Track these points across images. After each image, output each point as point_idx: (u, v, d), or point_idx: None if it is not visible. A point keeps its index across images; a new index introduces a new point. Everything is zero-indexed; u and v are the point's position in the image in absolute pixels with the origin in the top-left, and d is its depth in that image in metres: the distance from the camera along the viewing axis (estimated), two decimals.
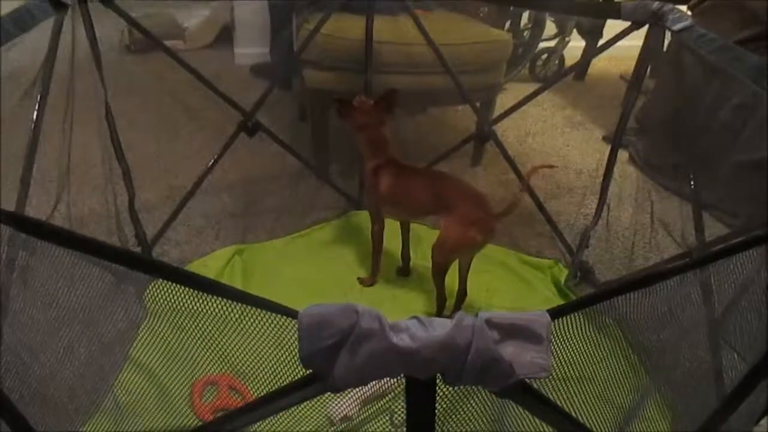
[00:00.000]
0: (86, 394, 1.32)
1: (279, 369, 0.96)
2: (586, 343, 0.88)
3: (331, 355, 0.50)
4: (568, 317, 0.62)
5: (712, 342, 1.18)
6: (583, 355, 0.87)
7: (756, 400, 0.91)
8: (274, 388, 0.80)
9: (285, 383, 0.71)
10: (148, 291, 1.78)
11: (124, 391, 1.41)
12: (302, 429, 0.99)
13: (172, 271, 0.72)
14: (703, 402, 1.16)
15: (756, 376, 0.85)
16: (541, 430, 0.77)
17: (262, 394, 0.81)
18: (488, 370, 0.50)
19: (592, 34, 3.34)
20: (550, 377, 0.77)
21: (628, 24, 1.58)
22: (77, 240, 0.82)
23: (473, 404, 0.66)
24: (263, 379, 1.04)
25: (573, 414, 0.72)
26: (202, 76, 1.79)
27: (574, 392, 0.85)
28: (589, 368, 0.91)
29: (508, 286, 1.91)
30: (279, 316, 0.58)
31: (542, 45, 3.56)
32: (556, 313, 0.54)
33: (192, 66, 1.78)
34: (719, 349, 1.16)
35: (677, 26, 1.40)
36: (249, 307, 0.73)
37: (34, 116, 1.38)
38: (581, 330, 0.84)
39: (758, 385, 0.87)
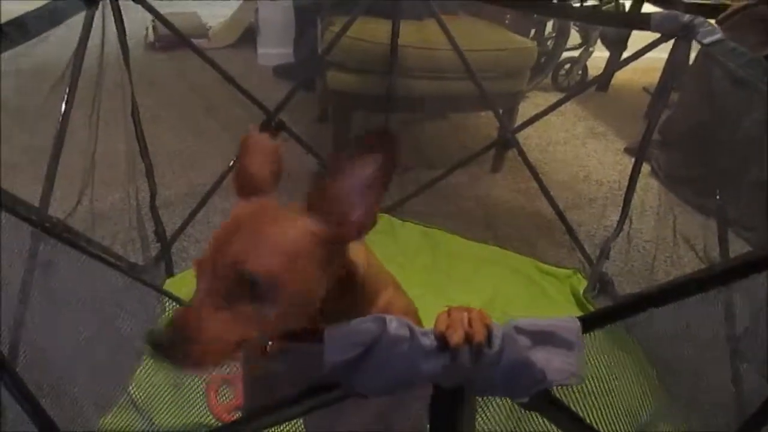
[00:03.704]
0: (104, 389, 1.33)
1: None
2: (604, 355, 0.88)
3: (358, 364, 0.49)
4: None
5: (733, 360, 1.17)
6: (601, 368, 0.86)
7: None
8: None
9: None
10: (165, 285, 1.80)
11: (140, 387, 1.42)
12: None
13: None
14: (721, 421, 1.14)
15: None
16: None
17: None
18: (519, 378, 0.49)
19: (616, 44, 3.32)
20: (570, 389, 0.76)
21: (652, 35, 1.56)
22: (87, 249, 0.84)
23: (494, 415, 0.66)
24: None
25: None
26: (227, 74, 1.80)
27: (591, 405, 0.84)
28: (605, 381, 0.90)
29: (525, 295, 1.89)
30: None
31: (566, 55, 3.55)
32: (586, 323, 0.53)
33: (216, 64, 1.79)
34: (739, 367, 1.14)
35: (708, 39, 1.38)
36: None
37: (62, 110, 1.39)
38: (599, 341, 0.84)
39: None
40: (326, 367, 0.50)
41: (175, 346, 0.59)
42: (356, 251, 0.74)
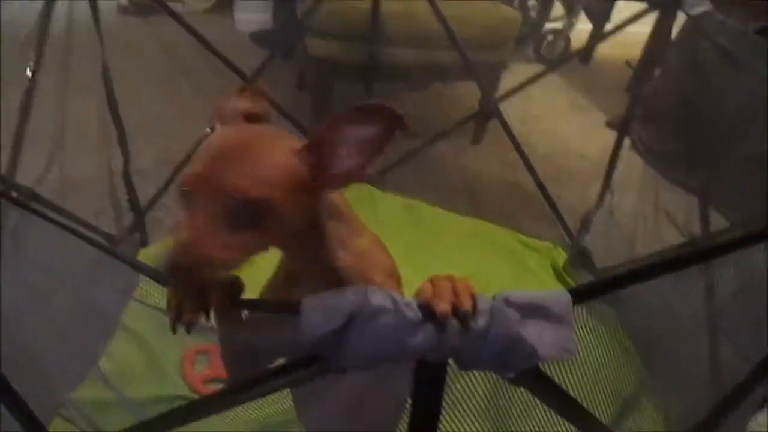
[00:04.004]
0: (77, 361, 1.30)
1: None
2: (585, 329, 0.87)
3: (338, 337, 0.47)
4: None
5: (711, 334, 1.17)
6: (581, 342, 0.86)
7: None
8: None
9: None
10: (139, 256, 1.76)
11: (115, 358, 1.39)
12: None
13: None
14: (697, 393, 1.15)
15: (759, 374, 0.84)
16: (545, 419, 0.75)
17: None
18: (508, 353, 0.47)
19: (599, 16, 3.30)
20: (553, 362, 0.75)
21: (636, 7, 1.54)
22: (55, 219, 0.80)
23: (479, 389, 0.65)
24: None
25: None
26: (203, 39, 1.74)
27: (575, 379, 0.83)
28: (590, 355, 0.89)
29: (505, 267, 1.89)
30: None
31: (549, 26, 3.51)
32: (577, 295, 0.51)
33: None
34: (717, 342, 1.15)
35: (696, 10, 1.36)
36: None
37: (29, 74, 1.34)
38: (582, 315, 0.83)
39: (762, 382, 0.86)
40: (305, 341, 0.48)
41: (186, 271, 0.60)
42: (332, 197, 0.75)
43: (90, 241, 1.01)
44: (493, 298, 0.49)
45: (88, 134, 1.66)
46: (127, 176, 1.72)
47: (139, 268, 0.76)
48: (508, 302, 0.48)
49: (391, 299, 0.47)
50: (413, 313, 0.47)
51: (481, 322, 0.47)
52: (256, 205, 0.62)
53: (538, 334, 0.47)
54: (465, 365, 0.50)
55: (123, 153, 1.69)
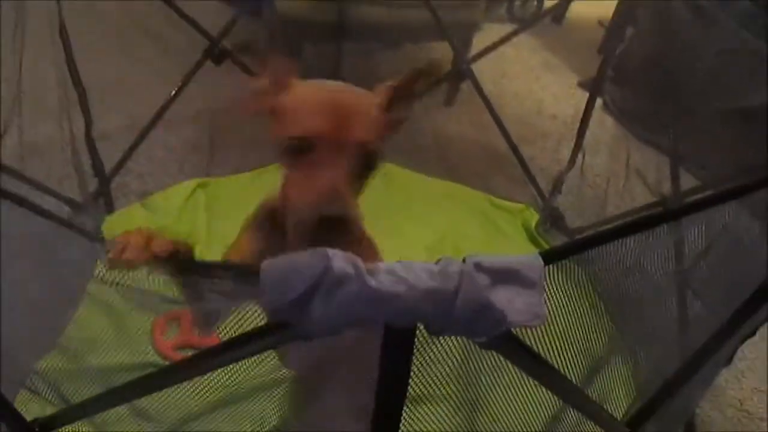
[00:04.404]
0: (42, 331, 1.27)
1: (245, 304, 0.92)
2: (555, 290, 0.87)
3: (301, 305, 0.45)
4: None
5: (680, 293, 1.18)
6: (554, 303, 0.85)
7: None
8: (239, 325, 0.76)
9: (252, 320, 0.68)
10: (104, 225, 1.72)
11: (82, 326, 1.36)
12: None
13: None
14: (667, 351, 1.17)
15: (728, 330, 0.85)
16: (517, 380, 0.75)
17: (227, 330, 0.77)
18: (477, 319, 0.46)
19: None
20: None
21: None
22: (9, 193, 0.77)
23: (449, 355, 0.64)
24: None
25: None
26: None
27: (548, 340, 0.83)
28: (559, 317, 0.89)
29: (478, 229, 1.89)
30: None
31: None
32: (548, 258, 0.50)
33: None
34: (686, 300, 1.16)
35: None
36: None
37: None
38: (553, 276, 0.82)
39: (731, 338, 0.87)
40: (266, 310, 0.46)
41: (336, 222, 0.67)
42: None
43: (46, 215, 0.98)
44: (464, 260, 0.48)
45: (47, 97, 1.60)
46: (89, 140, 1.66)
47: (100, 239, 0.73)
48: (478, 267, 0.46)
49: (353, 265, 0.45)
50: (376, 281, 0.45)
51: (449, 285, 0.46)
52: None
53: (508, 300, 0.46)
54: (434, 330, 0.49)
55: (84, 116, 1.64)
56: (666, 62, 1.63)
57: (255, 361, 1.04)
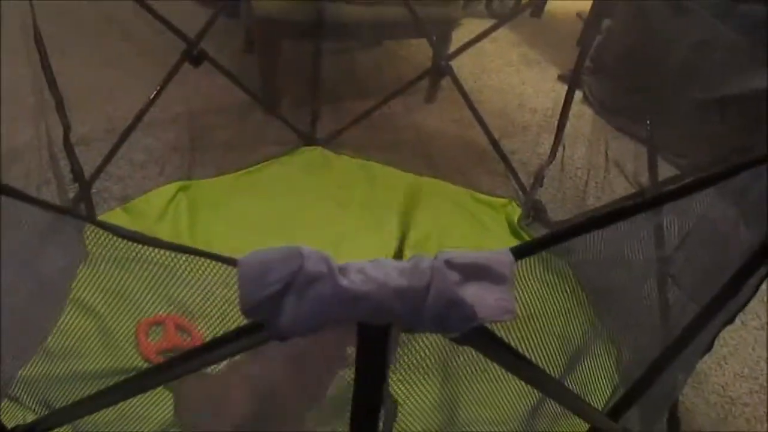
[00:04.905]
0: (24, 337, 1.26)
1: (228, 308, 0.92)
2: (537, 282, 0.87)
3: (275, 304, 0.45)
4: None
5: (660, 280, 1.20)
6: (533, 294, 0.86)
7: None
8: (222, 328, 0.77)
9: (234, 323, 0.68)
10: (86, 231, 1.71)
11: (65, 332, 1.35)
12: None
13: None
14: (648, 338, 1.18)
15: (707, 316, 0.86)
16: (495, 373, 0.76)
17: (211, 333, 0.77)
18: (448, 315, 0.47)
19: None
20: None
21: None
22: None
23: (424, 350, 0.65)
24: (212, 318, 1.00)
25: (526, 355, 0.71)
26: None
27: (525, 332, 0.84)
28: (539, 307, 0.90)
29: (461, 225, 1.89)
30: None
31: None
32: (518, 252, 0.51)
33: None
34: (666, 287, 1.18)
35: None
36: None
37: None
38: (531, 268, 0.83)
39: (709, 324, 0.88)
40: (242, 309, 0.47)
41: None
42: None
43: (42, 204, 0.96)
44: (435, 257, 0.48)
45: (23, 102, 1.58)
46: (68, 145, 1.65)
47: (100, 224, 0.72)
48: (448, 264, 0.47)
49: (326, 264, 0.45)
50: (347, 281, 0.46)
51: (419, 282, 0.46)
52: None
53: (478, 295, 0.46)
54: (406, 328, 0.49)
55: (62, 121, 1.62)
56: (642, 53, 1.64)
57: None
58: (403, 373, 0.69)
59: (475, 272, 0.47)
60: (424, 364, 0.74)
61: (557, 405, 0.93)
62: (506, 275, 0.48)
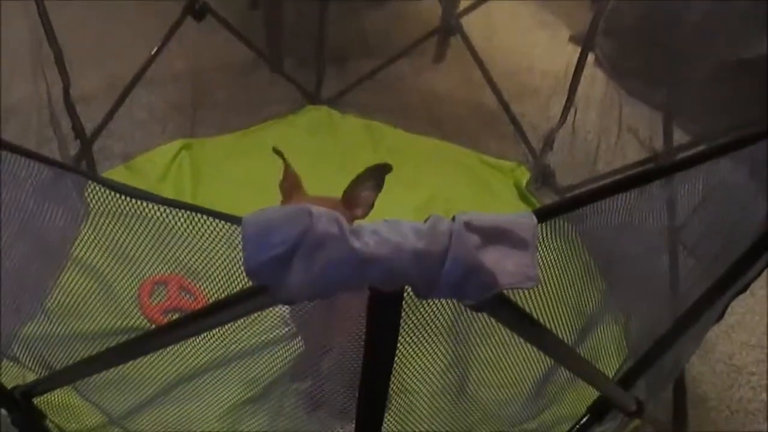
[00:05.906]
0: (24, 296, 1.24)
1: (232, 268, 0.90)
2: (547, 249, 0.85)
3: (281, 266, 0.42)
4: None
5: (672, 249, 1.17)
6: (544, 261, 0.84)
7: None
8: (227, 290, 0.74)
9: (238, 284, 0.66)
10: (88, 188, 1.68)
11: (66, 291, 1.34)
12: None
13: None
14: (658, 309, 1.16)
15: (722, 286, 0.84)
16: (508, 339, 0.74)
17: (215, 295, 0.75)
18: (467, 281, 0.44)
19: None
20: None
21: None
22: None
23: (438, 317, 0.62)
24: (215, 279, 0.98)
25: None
26: None
27: (540, 300, 0.82)
28: (555, 275, 0.88)
29: (468, 189, 1.87)
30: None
31: None
32: (541, 215, 0.48)
33: None
34: (678, 257, 1.15)
35: None
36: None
37: None
38: (545, 235, 0.81)
39: (724, 294, 0.86)
40: (246, 271, 0.44)
41: None
42: None
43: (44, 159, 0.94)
44: (453, 219, 0.45)
45: (21, 55, 1.54)
46: (68, 102, 1.62)
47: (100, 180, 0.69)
48: (468, 226, 0.44)
49: (338, 224, 0.42)
50: (360, 242, 0.43)
51: (437, 246, 0.43)
52: None
53: (499, 261, 0.44)
54: (421, 294, 0.46)
55: (62, 77, 1.58)
56: (658, 14, 1.59)
57: (243, 324, 1.03)
58: (412, 335, 0.67)
59: (496, 236, 0.44)
60: (432, 326, 0.72)
61: (566, 372, 0.92)
62: (528, 240, 0.45)
